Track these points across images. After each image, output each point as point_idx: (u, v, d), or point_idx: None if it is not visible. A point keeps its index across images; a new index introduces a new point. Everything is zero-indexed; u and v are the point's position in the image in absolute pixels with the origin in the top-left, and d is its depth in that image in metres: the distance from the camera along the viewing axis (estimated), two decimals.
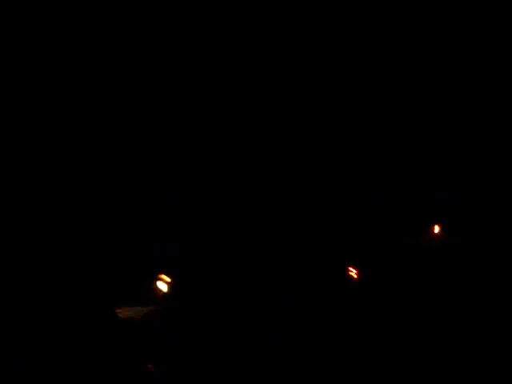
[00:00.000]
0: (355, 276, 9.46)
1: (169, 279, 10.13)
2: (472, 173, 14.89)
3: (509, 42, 14.27)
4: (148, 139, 15.54)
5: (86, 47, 14.57)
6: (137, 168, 15.59)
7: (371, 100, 15.26)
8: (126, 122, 15.36)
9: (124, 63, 14.86)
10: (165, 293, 10.11)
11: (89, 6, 14.24)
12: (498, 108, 14.81)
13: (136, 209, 13.97)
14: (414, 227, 15.30)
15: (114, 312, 9.15)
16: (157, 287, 10.22)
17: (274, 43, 14.85)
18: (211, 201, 14.88)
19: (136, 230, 13.06)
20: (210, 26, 14.64)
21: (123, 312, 9.40)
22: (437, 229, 15.00)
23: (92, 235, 11.90)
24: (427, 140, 15.24)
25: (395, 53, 14.79)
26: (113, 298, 9.59)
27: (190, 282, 10.08)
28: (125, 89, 15.07)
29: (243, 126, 15.56)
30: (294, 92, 15.34)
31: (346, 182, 15.67)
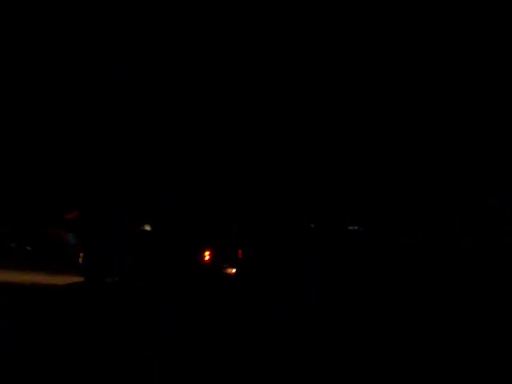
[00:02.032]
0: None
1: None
2: (472, 173, 14.88)
3: (509, 42, 14.26)
4: (148, 139, 15.55)
5: (86, 47, 14.57)
6: (136, 167, 15.60)
7: (371, 100, 15.25)
8: (126, 122, 15.36)
9: (124, 63, 14.87)
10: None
11: (89, 6, 14.24)
12: (498, 108, 14.79)
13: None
14: (413, 227, 15.31)
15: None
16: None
17: (274, 43, 14.84)
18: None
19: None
20: (210, 26, 14.64)
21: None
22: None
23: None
24: (427, 140, 15.23)
25: (395, 53, 14.78)
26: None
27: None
28: (125, 89, 15.07)
29: (243, 126, 15.57)
30: (294, 92, 15.33)
31: (346, 181, 15.67)
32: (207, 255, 11.03)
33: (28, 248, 12.32)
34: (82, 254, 11.07)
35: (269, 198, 14.45)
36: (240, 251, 11.56)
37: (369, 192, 15.41)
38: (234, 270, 11.38)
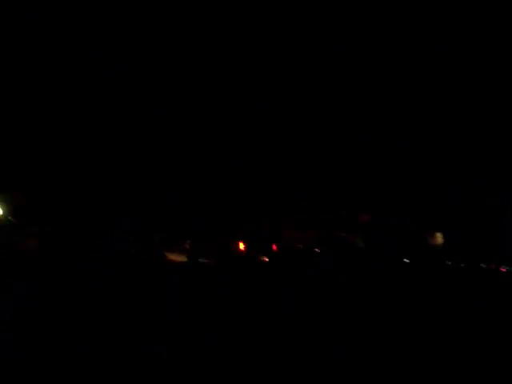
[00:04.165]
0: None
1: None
2: (472, 173, 14.89)
3: (509, 42, 14.27)
4: (148, 139, 15.56)
5: (86, 47, 14.58)
6: (137, 168, 15.62)
7: (371, 100, 15.26)
8: (126, 122, 15.38)
9: (124, 63, 14.88)
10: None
11: (89, 6, 14.24)
12: (498, 108, 14.80)
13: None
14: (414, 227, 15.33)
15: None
16: None
17: (274, 43, 14.85)
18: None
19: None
20: (210, 26, 14.65)
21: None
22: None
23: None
24: (427, 140, 15.24)
25: (395, 53, 14.79)
26: None
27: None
28: (125, 89, 15.08)
29: (243, 126, 15.58)
30: (294, 92, 15.35)
31: (346, 181, 15.70)
32: (242, 246, 14.27)
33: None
34: (189, 242, 14.70)
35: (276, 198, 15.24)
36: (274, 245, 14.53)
37: (368, 192, 15.43)
38: (266, 259, 14.50)
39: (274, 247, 14.21)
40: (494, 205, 14.83)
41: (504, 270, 13.75)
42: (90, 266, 11.90)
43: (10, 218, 13.97)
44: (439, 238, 14.94)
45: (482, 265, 14.35)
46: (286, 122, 15.45)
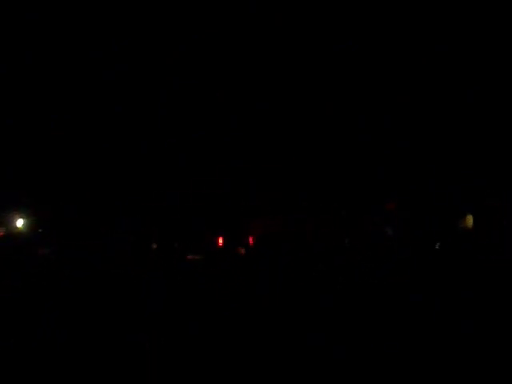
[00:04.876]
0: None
1: None
2: (472, 173, 14.89)
3: (509, 42, 14.27)
4: (148, 139, 15.58)
5: (86, 47, 14.59)
6: (137, 167, 15.64)
7: (371, 100, 15.26)
8: (126, 122, 15.39)
9: (124, 63, 14.88)
10: None
11: (89, 6, 14.25)
12: (498, 108, 14.80)
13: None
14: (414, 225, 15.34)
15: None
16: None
17: (274, 43, 14.86)
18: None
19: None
20: (210, 26, 14.66)
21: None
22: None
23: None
24: (427, 140, 15.24)
25: (395, 53, 14.79)
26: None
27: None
28: (125, 89, 15.09)
29: (243, 126, 15.59)
30: (294, 92, 15.35)
31: (345, 181, 15.71)
32: (220, 241, 15.63)
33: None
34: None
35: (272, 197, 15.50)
36: (251, 238, 15.47)
37: (368, 192, 15.44)
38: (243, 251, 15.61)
39: (251, 240, 15.24)
40: (494, 205, 14.82)
41: None
42: (89, 265, 11.94)
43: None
44: (470, 220, 14.75)
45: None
46: (286, 122, 15.44)
